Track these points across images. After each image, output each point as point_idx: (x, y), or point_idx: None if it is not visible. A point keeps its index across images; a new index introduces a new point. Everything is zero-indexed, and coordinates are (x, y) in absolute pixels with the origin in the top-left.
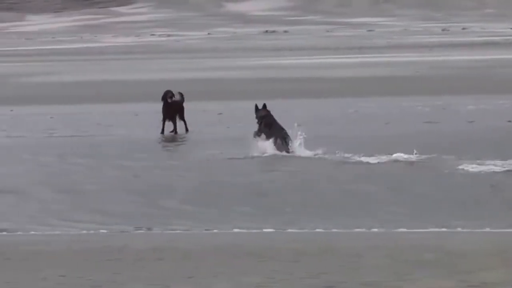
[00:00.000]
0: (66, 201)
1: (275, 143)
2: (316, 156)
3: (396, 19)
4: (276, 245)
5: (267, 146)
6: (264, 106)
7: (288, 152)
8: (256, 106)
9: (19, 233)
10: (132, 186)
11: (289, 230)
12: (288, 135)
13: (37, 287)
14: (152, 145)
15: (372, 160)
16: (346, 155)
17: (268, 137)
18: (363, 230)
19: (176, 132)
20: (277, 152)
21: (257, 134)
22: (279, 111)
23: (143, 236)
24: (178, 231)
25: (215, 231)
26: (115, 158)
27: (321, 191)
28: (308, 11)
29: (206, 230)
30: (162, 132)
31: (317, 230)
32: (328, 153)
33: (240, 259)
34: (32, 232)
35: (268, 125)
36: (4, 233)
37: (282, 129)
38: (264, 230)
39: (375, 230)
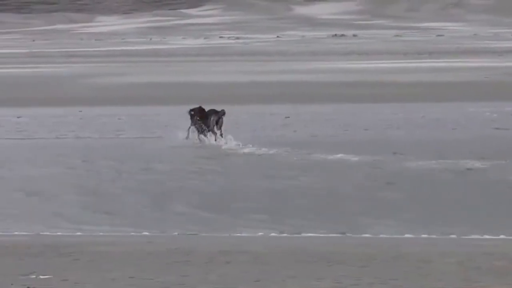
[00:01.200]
0: (151, 205)
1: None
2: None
3: (465, 24)
4: (344, 250)
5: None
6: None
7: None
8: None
9: (86, 234)
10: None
11: (358, 236)
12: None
13: (107, 287)
14: (219, 148)
15: (434, 165)
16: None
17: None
18: (433, 236)
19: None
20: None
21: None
22: (347, 115)
23: (211, 239)
24: (245, 234)
25: (282, 234)
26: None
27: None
28: (377, 15)
29: (275, 234)
30: (187, 137)
31: (387, 236)
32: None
33: (308, 263)
34: (101, 234)
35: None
36: (79, 233)
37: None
38: (332, 235)
39: (446, 236)
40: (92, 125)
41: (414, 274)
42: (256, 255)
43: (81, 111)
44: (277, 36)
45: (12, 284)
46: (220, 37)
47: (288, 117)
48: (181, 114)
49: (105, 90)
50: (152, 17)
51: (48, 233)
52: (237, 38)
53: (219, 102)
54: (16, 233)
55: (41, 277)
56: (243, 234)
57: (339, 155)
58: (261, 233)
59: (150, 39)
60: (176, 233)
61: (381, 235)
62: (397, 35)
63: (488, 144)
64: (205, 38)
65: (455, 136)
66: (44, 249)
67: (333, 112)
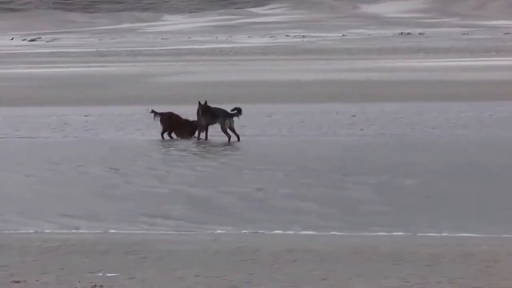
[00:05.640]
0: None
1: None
2: None
3: None
4: (411, 249)
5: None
6: (206, 102)
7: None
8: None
9: (153, 232)
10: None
11: (424, 234)
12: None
13: (174, 286)
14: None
15: (501, 164)
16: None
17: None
18: (501, 235)
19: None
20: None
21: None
22: (413, 113)
23: (277, 237)
24: (312, 232)
25: (349, 233)
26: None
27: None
28: (444, 13)
29: (337, 232)
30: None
31: (454, 234)
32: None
33: (375, 262)
34: (168, 232)
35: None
36: (146, 231)
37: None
38: (399, 233)
39: None
40: (158, 124)
41: (480, 273)
42: (322, 254)
43: (148, 110)
44: (343, 35)
45: (79, 282)
46: (286, 35)
47: (355, 115)
48: (247, 114)
49: (171, 88)
50: (218, 16)
51: (115, 231)
52: (303, 36)
53: (283, 101)
54: (83, 230)
55: (108, 275)
56: (309, 232)
57: (406, 154)
58: (326, 232)
59: (216, 37)
60: (243, 231)
61: (446, 234)
62: (464, 33)
63: None
64: (271, 37)
65: None
66: (111, 247)
67: (400, 110)
